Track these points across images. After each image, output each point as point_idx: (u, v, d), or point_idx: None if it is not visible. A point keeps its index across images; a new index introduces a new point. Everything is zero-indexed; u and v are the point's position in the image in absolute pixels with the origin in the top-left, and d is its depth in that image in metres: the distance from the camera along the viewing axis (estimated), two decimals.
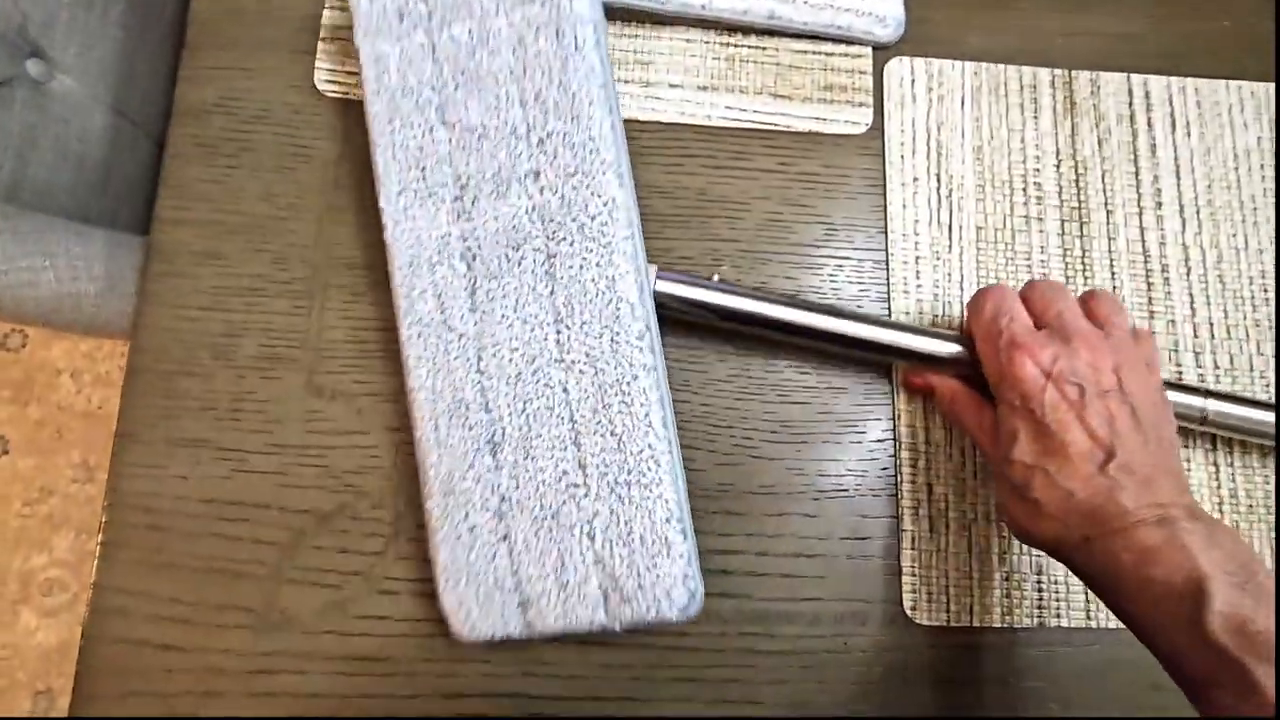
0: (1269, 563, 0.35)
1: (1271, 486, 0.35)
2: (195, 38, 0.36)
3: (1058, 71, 0.40)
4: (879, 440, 0.35)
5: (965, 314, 0.33)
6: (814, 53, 0.39)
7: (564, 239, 0.29)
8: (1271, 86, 0.40)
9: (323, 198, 0.35)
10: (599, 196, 0.29)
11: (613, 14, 0.38)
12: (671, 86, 0.38)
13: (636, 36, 0.38)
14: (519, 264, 0.29)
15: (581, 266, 0.29)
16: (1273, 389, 0.37)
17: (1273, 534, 0.35)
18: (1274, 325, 0.37)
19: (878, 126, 0.38)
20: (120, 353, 1.15)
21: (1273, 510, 0.35)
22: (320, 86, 0.36)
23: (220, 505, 0.32)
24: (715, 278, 0.33)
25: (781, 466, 0.34)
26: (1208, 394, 0.35)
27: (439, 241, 0.30)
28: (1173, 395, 0.35)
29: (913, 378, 0.35)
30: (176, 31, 0.67)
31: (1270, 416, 0.34)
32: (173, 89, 0.70)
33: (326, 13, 0.37)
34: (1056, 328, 0.30)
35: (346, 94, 0.36)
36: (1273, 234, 0.38)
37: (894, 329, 0.33)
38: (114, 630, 0.31)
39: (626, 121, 0.37)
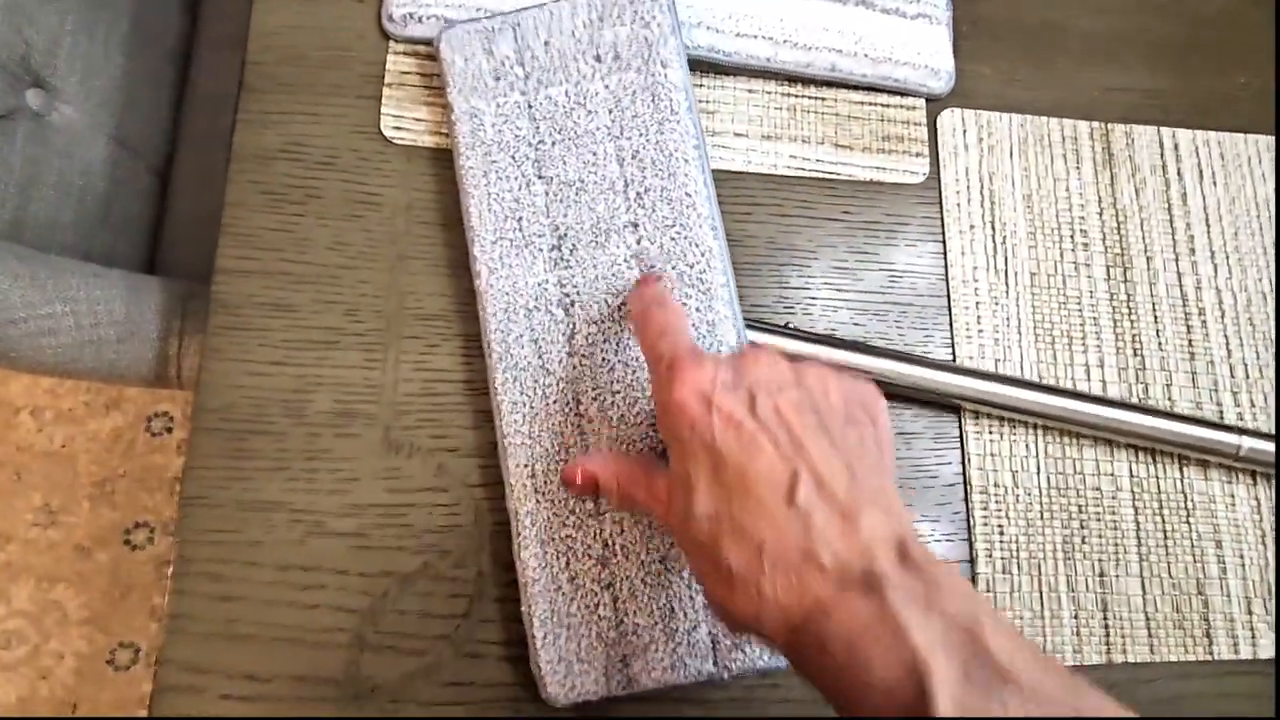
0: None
1: None
2: (253, 81, 0.35)
3: (1096, 124, 0.42)
4: (950, 485, 0.36)
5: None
6: (871, 104, 0.40)
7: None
8: None
9: (393, 247, 0.34)
10: (697, 246, 0.29)
11: None
12: (737, 135, 0.38)
13: (700, 85, 0.38)
14: (619, 309, 0.29)
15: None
16: None
17: None
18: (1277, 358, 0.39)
19: (934, 176, 0.39)
20: (85, 389, 1.10)
21: None
22: (387, 133, 0.35)
23: (296, 571, 0.31)
24: (789, 325, 0.34)
25: None
26: (1242, 432, 0.37)
27: (536, 288, 0.30)
28: (1208, 433, 0.36)
29: (567, 475, 0.28)
30: (177, 57, 0.65)
31: None
32: (175, 116, 0.68)
33: (391, 58, 0.36)
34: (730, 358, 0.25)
35: (415, 141, 0.35)
36: None
37: (961, 373, 0.34)
38: (185, 708, 0.29)
39: None
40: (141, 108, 0.59)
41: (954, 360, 0.37)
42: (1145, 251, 0.40)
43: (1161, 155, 0.42)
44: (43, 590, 1.06)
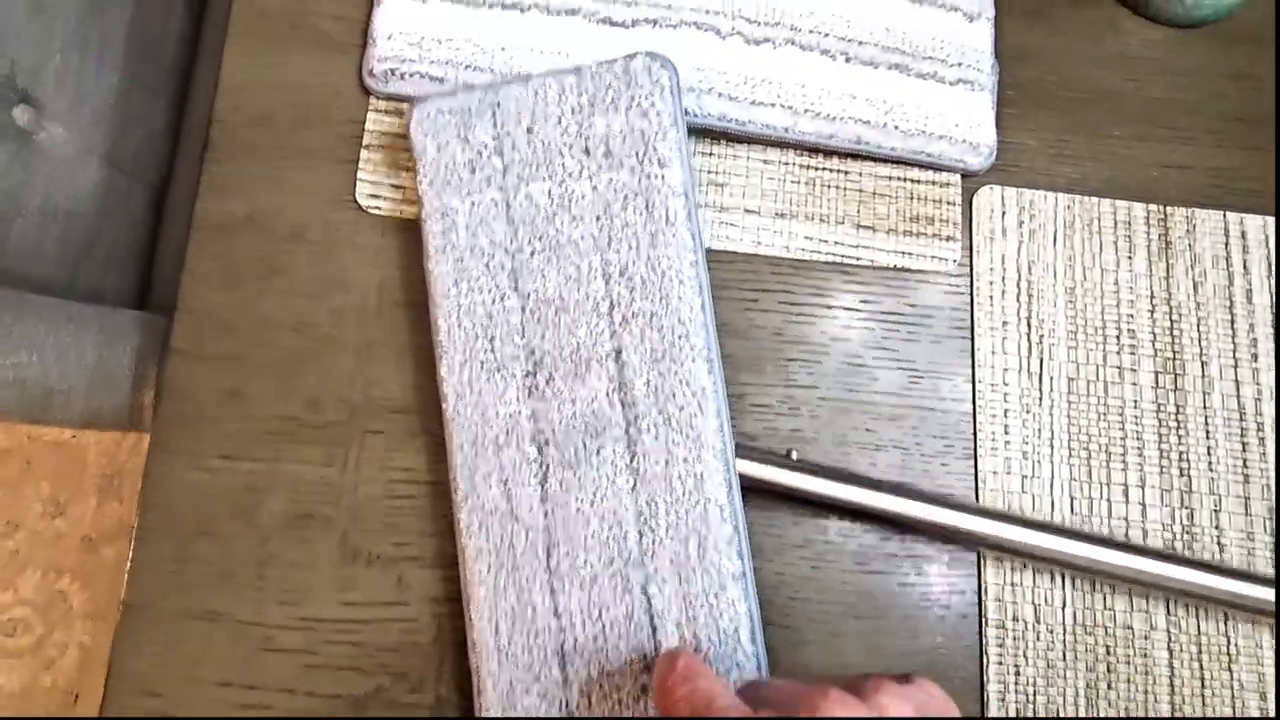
0: None
1: None
2: (219, 143, 0.32)
3: (1152, 207, 0.37)
4: (964, 616, 0.32)
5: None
6: (900, 179, 0.36)
7: (648, 429, 0.26)
8: None
9: (362, 330, 0.32)
10: (688, 386, 0.26)
11: (690, 129, 0.34)
12: (748, 212, 0.35)
13: (711, 154, 0.35)
14: (597, 453, 0.26)
15: (668, 463, 0.26)
16: None
17: None
18: None
19: (966, 262, 0.36)
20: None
21: None
22: (363, 202, 0.32)
23: (239, 690, 0.28)
24: (793, 454, 0.30)
25: (861, 644, 0.32)
26: None
27: (507, 420, 0.26)
28: (1255, 590, 0.32)
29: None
30: (178, 69, 0.62)
31: None
32: (174, 130, 0.65)
33: (371, 116, 0.33)
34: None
35: (392, 211, 0.32)
36: None
37: (981, 515, 0.30)
38: None
39: (710, 251, 0.33)
40: (138, 124, 0.57)
41: (975, 472, 0.34)
42: (1200, 356, 0.36)
43: (1226, 244, 0.37)
44: (49, 580, 1.07)
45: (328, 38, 0.34)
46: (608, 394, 0.26)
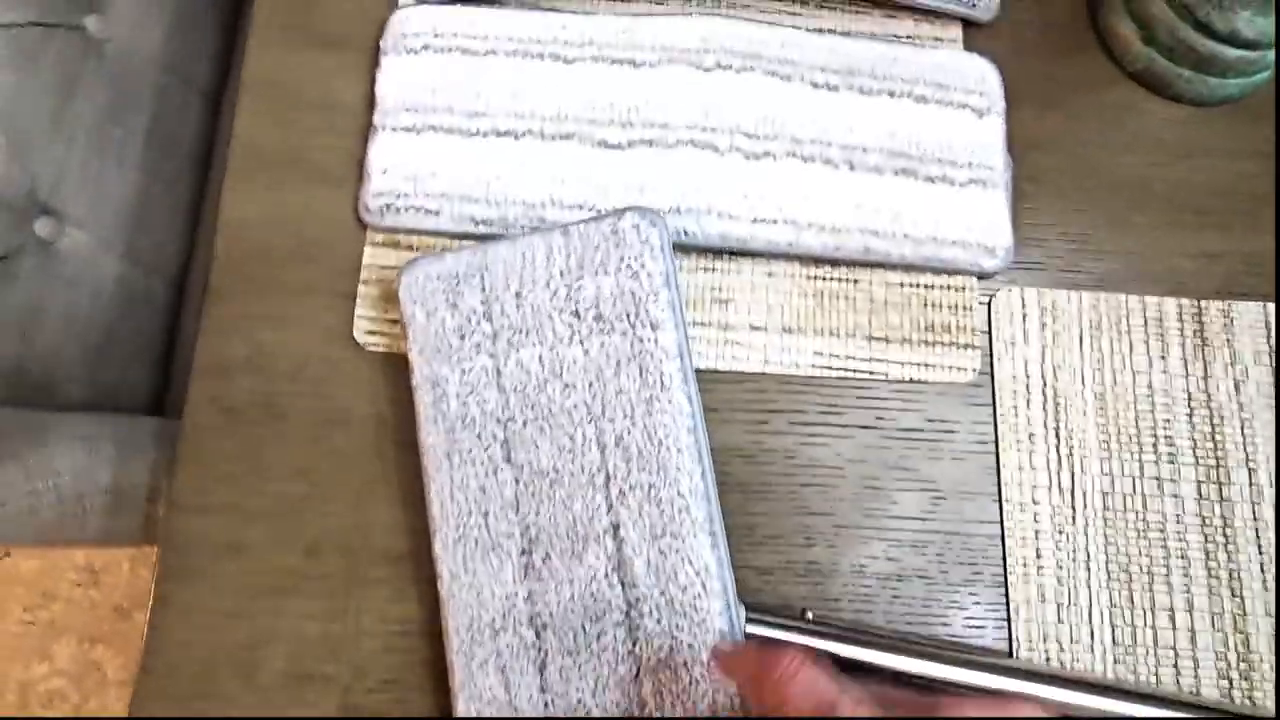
0: None
1: None
2: (220, 283, 0.32)
3: (1185, 301, 0.35)
4: None
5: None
6: (913, 285, 0.34)
7: (650, 613, 0.25)
8: None
9: (361, 472, 0.31)
10: (690, 564, 0.25)
11: (690, 248, 0.34)
12: (754, 329, 0.33)
13: (713, 270, 0.34)
14: (598, 639, 0.25)
15: (672, 649, 0.24)
16: None
17: None
18: None
19: (986, 372, 0.34)
20: None
21: None
22: (360, 339, 0.32)
23: None
24: (809, 615, 0.29)
25: None
26: None
27: (504, 603, 0.26)
28: None
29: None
30: (197, 160, 0.64)
31: None
32: (193, 221, 0.66)
33: (369, 250, 0.33)
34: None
35: (390, 347, 0.32)
36: None
37: (1009, 674, 0.28)
38: None
39: (703, 373, 0.33)
40: (156, 219, 0.58)
41: (1006, 601, 0.32)
42: (1247, 462, 0.34)
43: (1268, 338, 0.35)
44: (84, 650, 1.08)
45: (325, 172, 0.34)
46: (606, 574, 0.25)
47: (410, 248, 0.33)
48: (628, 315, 0.27)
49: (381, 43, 0.34)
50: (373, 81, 0.34)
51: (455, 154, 0.32)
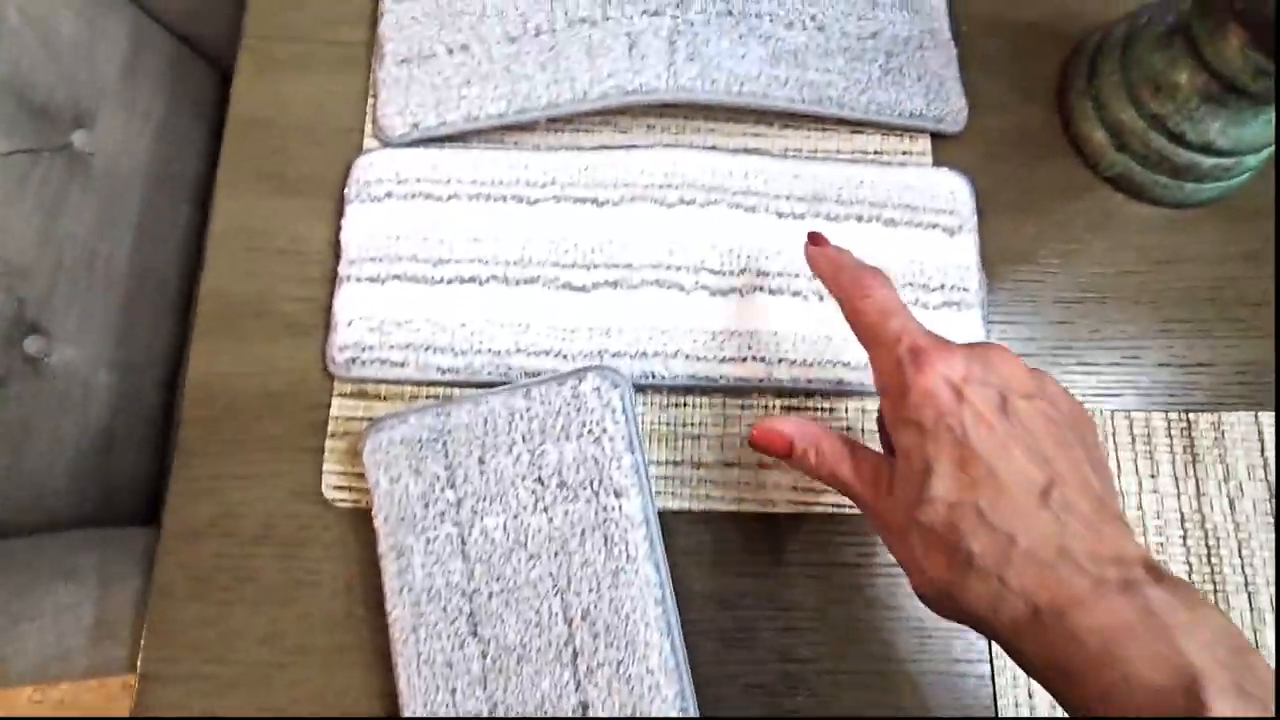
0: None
1: None
2: (189, 443, 0.32)
3: (1173, 415, 0.34)
4: None
5: (837, 299, 0.27)
6: None
7: None
8: None
9: (332, 636, 0.30)
10: None
11: (660, 387, 0.33)
12: (727, 466, 0.33)
13: (684, 405, 0.33)
14: None
15: None
16: None
17: None
18: None
19: None
20: None
21: None
22: (328, 495, 0.32)
23: None
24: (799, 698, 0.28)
25: None
26: None
27: None
28: None
29: (759, 434, 0.27)
30: (185, 253, 0.64)
31: None
32: (184, 312, 0.67)
33: (337, 402, 0.33)
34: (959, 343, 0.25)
35: (359, 502, 0.32)
36: None
37: None
38: None
39: (676, 514, 0.32)
40: (145, 324, 0.59)
41: None
42: (1246, 586, 0.32)
43: (1262, 451, 0.34)
44: None
45: (294, 321, 0.34)
46: None
47: (379, 397, 0.33)
48: (591, 482, 0.27)
49: (345, 191, 0.34)
50: (339, 229, 0.34)
51: (420, 303, 0.32)
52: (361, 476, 0.32)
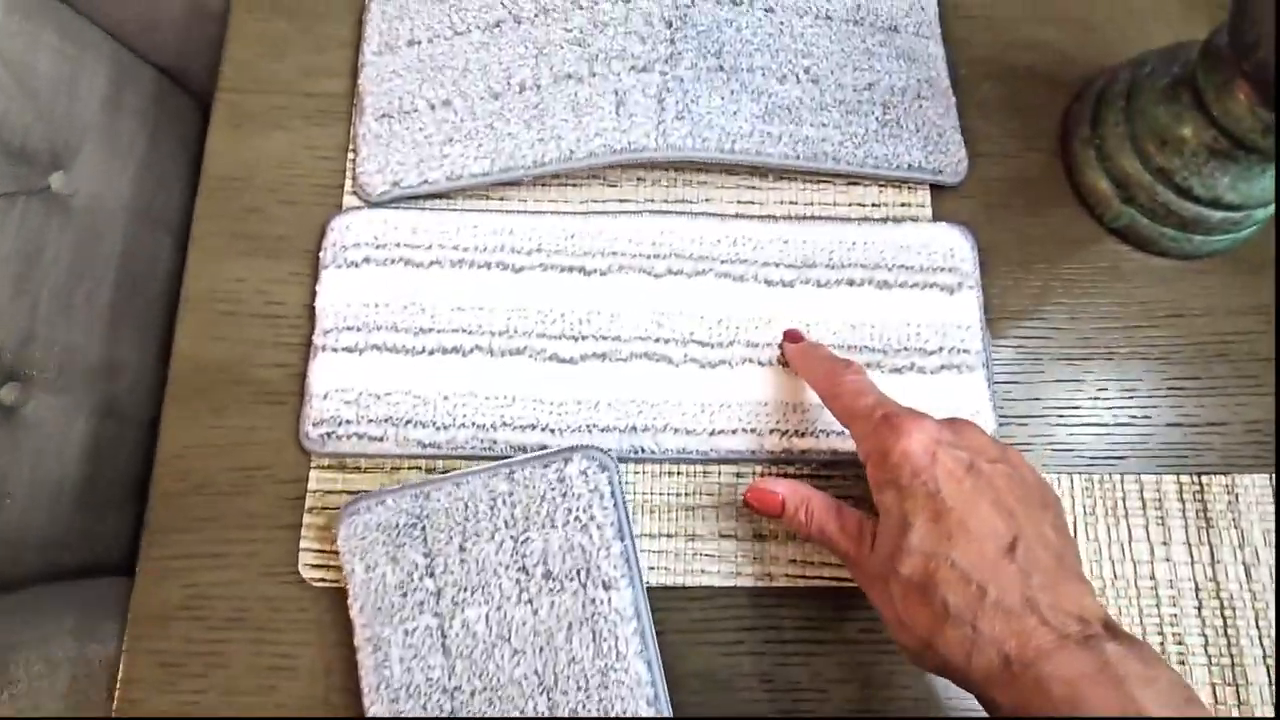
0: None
1: None
2: (158, 519, 0.31)
3: (1185, 479, 0.33)
4: None
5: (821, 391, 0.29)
6: None
7: None
8: None
9: None
10: None
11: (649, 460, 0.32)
12: (723, 537, 0.31)
13: (678, 473, 0.32)
14: None
15: None
16: None
17: None
18: None
19: None
20: None
21: None
22: (305, 574, 0.30)
23: None
24: None
25: None
26: None
27: None
28: None
29: (752, 494, 0.29)
30: (166, 302, 0.63)
31: None
32: (164, 369, 0.66)
33: (314, 475, 0.31)
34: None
35: (338, 581, 0.30)
36: None
37: None
38: None
39: (669, 590, 0.30)
40: (126, 365, 0.57)
41: None
42: (1264, 658, 0.31)
43: (1278, 514, 0.33)
44: None
45: (269, 390, 0.32)
46: None
47: (359, 469, 0.31)
48: (578, 573, 0.26)
49: (321, 254, 0.33)
50: (315, 294, 0.33)
51: (400, 375, 0.31)
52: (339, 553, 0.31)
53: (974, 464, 0.25)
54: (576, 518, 0.26)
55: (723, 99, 0.33)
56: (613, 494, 0.27)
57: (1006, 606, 0.23)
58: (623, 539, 0.26)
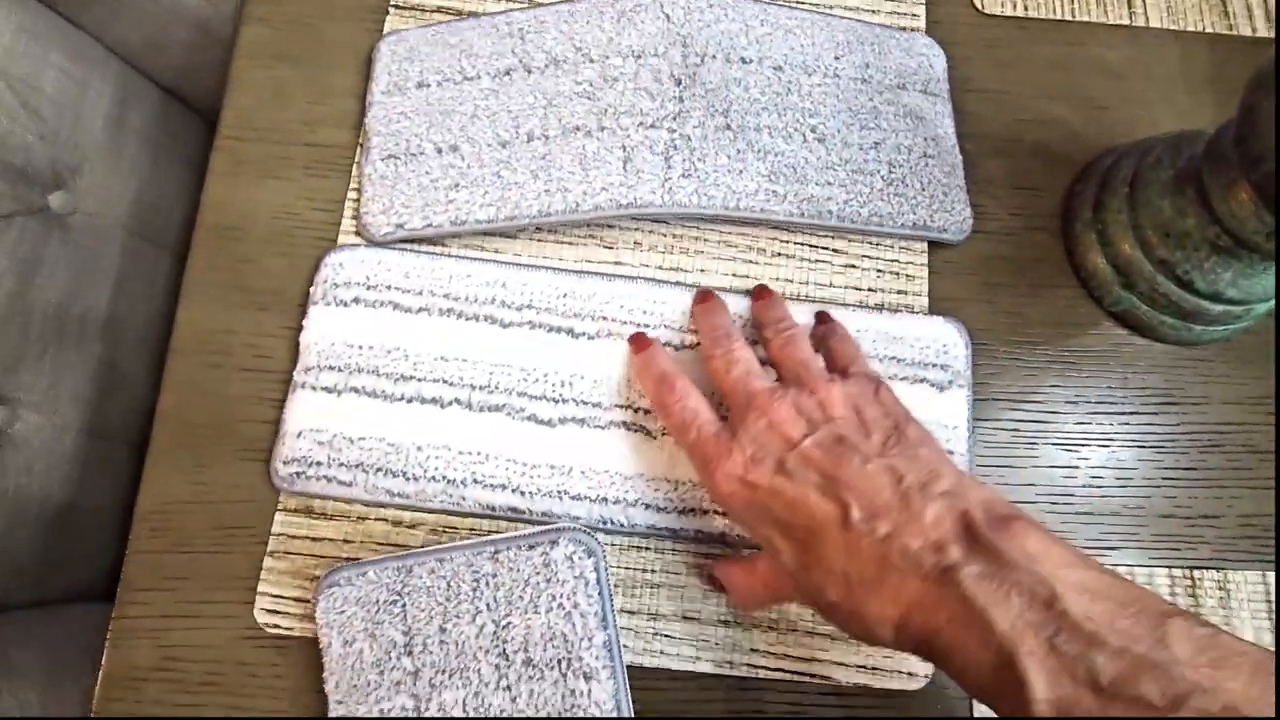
0: None
1: None
2: (132, 578, 0.31)
3: (1177, 573, 0.32)
4: None
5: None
6: None
7: None
8: None
9: None
10: None
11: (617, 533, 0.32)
12: (687, 619, 0.30)
13: (646, 549, 0.31)
14: None
15: None
16: None
17: None
18: None
19: (944, 681, 0.31)
20: None
21: None
22: (260, 619, 0.30)
23: None
24: None
25: None
26: None
27: None
28: None
29: (716, 582, 0.30)
30: (164, 322, 0.62)
31: None
32: (156, 384, 0.66)
33: (279, 517, 0.31)
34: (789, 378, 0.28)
35: (292, 630, 0.30)
36: None
37: None
38: None
39: (644, 670, 0.30)
40: (117, 389, 0.57)
41: None
42: None
43: (1271, 612, 0.32)
44: None
45: (250, 446, 0.32)
46: None
47: (324, 515, 0.31)
48: (559, 662, 0.25)
49: (311, 290, 0.33)
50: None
51: (375, 421, 0.31)
52: (305, 602, 0.30)
53: (784, 463, 0.25)
54: (560, 605, 0.26)
55: (729, 158, 0.33)
56: (598, 581, 0.26)
57: (867, 579, 0.23)
58: (606, 628, 0.26)
